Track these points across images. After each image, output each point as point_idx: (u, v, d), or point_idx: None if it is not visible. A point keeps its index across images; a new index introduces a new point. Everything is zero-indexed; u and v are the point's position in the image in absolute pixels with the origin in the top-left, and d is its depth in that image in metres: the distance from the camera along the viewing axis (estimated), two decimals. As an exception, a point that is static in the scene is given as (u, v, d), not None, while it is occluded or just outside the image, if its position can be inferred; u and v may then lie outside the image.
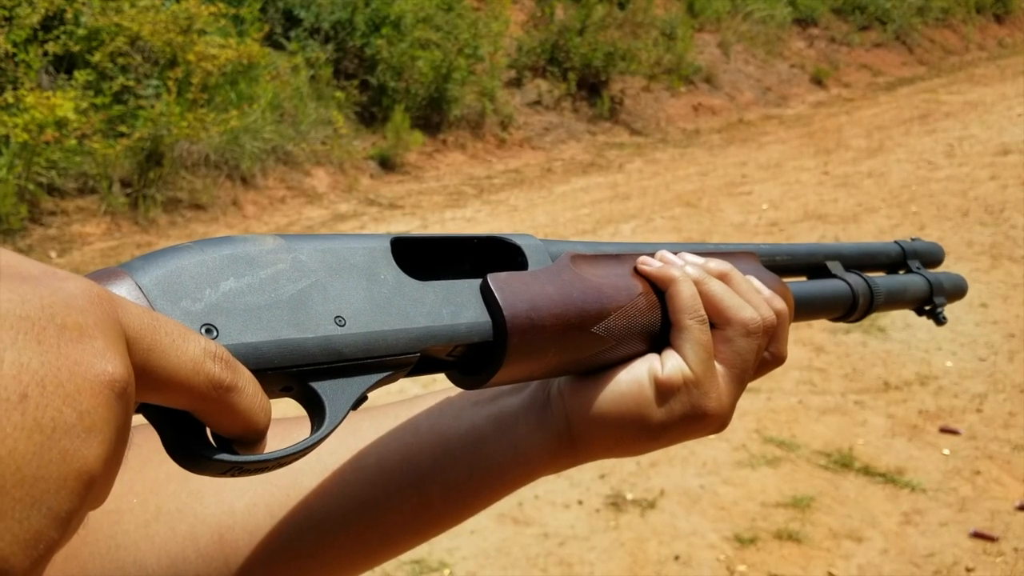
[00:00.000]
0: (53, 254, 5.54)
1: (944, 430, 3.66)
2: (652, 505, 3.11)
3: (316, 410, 0.45)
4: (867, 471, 3.36)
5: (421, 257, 0.55)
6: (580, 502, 3.12)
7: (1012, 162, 7.93)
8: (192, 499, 0.59)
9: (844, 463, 3.40)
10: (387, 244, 0.51)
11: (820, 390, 3.97)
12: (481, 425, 0.61)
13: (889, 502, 3.18)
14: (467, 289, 0.52)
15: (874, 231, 6.29)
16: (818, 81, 11.68)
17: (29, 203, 5.71)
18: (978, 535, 2.97)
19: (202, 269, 0.42)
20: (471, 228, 6.26)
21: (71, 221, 5.85)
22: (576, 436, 0.60)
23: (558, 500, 3.12)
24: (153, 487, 0.59)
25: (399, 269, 0.50)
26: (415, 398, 0.66)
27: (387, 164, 7.72)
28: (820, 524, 3.03)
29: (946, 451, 3.51)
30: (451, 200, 7.13)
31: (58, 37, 6.22)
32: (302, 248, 0.47)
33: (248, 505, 0.59)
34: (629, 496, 3.15)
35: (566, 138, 9.10)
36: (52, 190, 5.91)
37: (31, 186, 5.71)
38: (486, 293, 0.52)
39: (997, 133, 9.02)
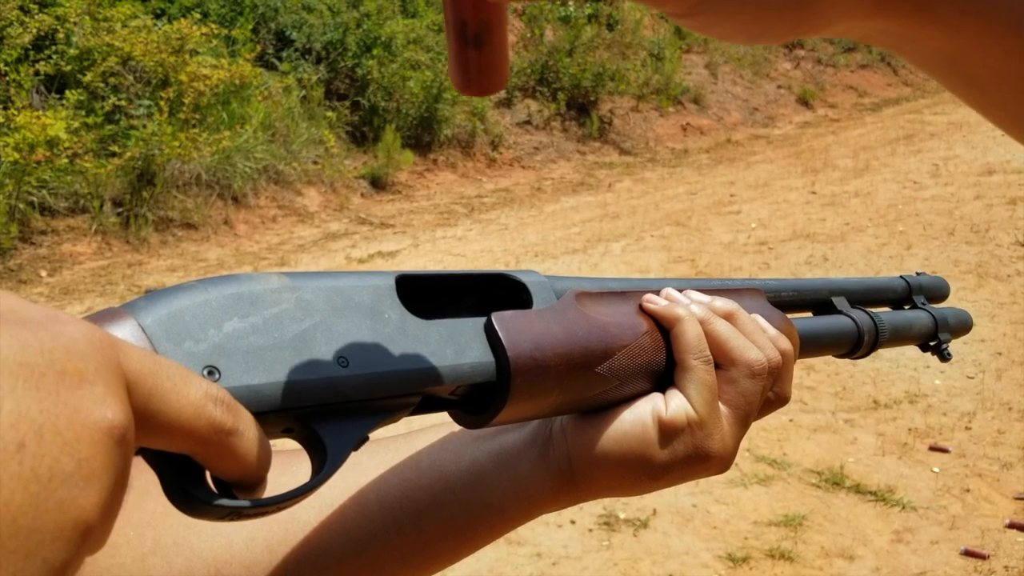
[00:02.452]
0: (43, 273, 5.52)
1: (934, 448, 3.68)
2: (645, 524, 3.12)
3: (317, 451, 0.45)
4: (858, 489, 3.37)
5: (425, 292, 0.54)
6: (573, 522, 3.12)
7: (996, 182, 8.01)
8: (189, 533, 0.58)
9: (835, 481, 3.42)
10: (392, 282, 0.50)
11: (811, 408, 4.00)
12: (482, 461, 0.61)
13: (880, 520, 3.19)
14: (471, 328, 0.51)
15: (861, 250, 6.34)
16: (804, 102, 11.78)
17: (19, 222, 5.70)
18: (969, 553, 2.99)
19: (205, 309, 0.42)
20: (461, 247, 6.28)
21: (62, 240, 5.84)
22: (577, 474, 0.59)
23: (551, 520, 3.13)
24: (150, 520, 0.58)
25: (403, 308, 0.49)
26: (416, 432, 0.65)
27: (378, 183, 7.74)
28: (812, 542, 3.05)
29: (936, 469, 3.53)
30: (442, 219, 7.15)
31: (49, 57, 6.23)
32: (306, 287, 0.46)
33: (246, 539, 0.58)
34: (622, 515, 3.16)
35: (556, 157, 9.14)
36: (43, 209, 5.90)
37: (21, 205, 5.71)
38: (490, 332, 0.52)
39: (981, 153, 9.11)
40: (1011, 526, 3.14)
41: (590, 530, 3.08)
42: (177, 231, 6.30)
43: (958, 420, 3.92)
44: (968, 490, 3.38)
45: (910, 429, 3.84)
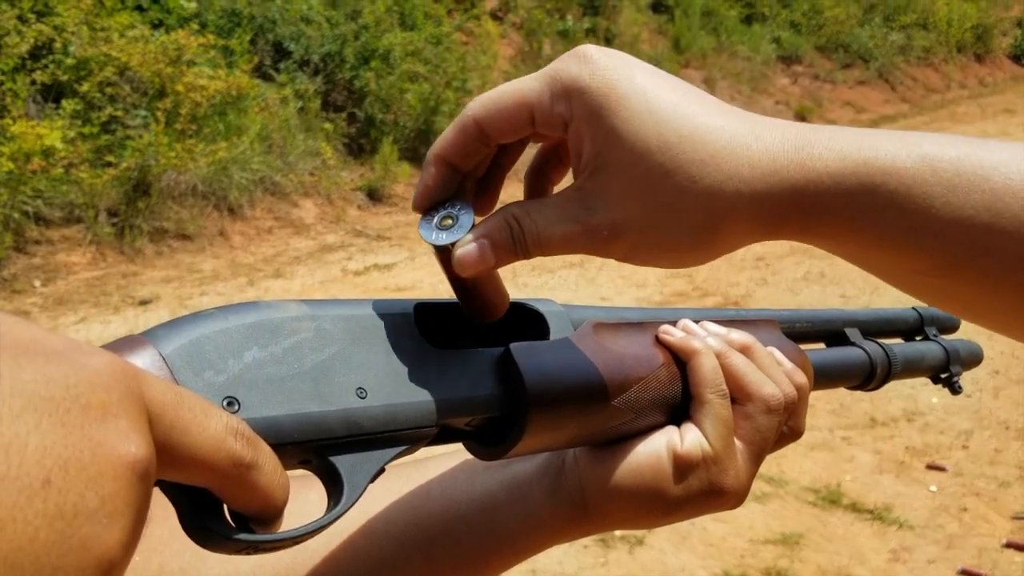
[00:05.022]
0: (37, 283, 5.50)
1: (931, 467, 3.67)
2: (641, 542, 3.09)
3: (334, 484, 0.45)
4: (855, 508, 3.35)
5: (442, 320, 0.54)
6: (568, 538, 3.10)
7: (994, 199, 8.03)
8: (196, 559, 0.58)
9: (832, 499, 3.40)
10: (410, 311, 0.50)
11: (808, 426, 3.96)
12: (494, 491, 0.60)
13: (877, 539, 3.17)
14: (488, 359, 0.51)
15: (859, 266, 6.33)
16: (802, 117, 11.80)
17: (14, 232, 5.68)
18: (966, 572, 2.97)
19: (226, 338, 0.42)
20: (458, 260, 6.24)
21: (56, 250, 5.82)
22: (590, 506, 0.59)
23: (546, 536, 3.10)
24: (156, 545, 0.58)
25: (421, 338, 0.49)
26: (427, 460, 0.65)
27: (375, 195, 7.73)
28: (809, 561, 3.02)
29: (933, 488, 3.52)
30: (438, 232, 7.13)
31: (46, 66, 6.22)
32: (325, 315, 0.46)
33: (253, 567, 0.58)
34: (617, 532, 3.14)
35: (553, 171, 9.15)
36: (38, 219, 5.88)
37: (16, 215, 5.69)
38: (507, 364, 0.51)
39: (979, 170, 9.14)
40: (1008, 545, 3.12)
41: (586, 547, 3.05)
42: (172, 242, 6.28)
43: (955, 439, 3.90)
44: (965, 509, 3.36)
45: (907, 447, 3.82)
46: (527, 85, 0.50)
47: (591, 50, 0.49)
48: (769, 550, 3.07)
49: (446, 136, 0.52)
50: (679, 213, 0.47)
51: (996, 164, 0.44)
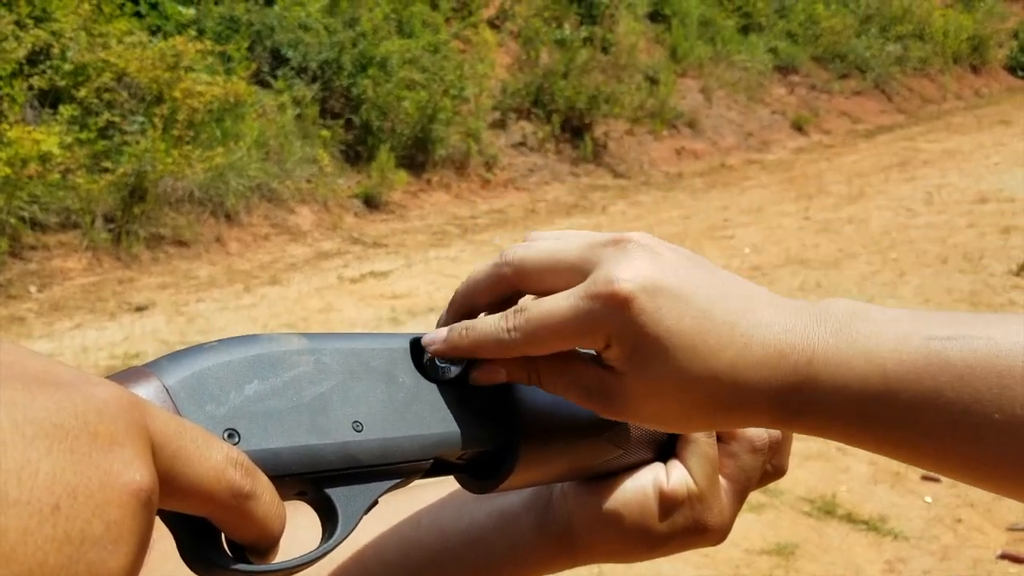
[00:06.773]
0: (33, 289, 5.49)
1: (926, 478, 3.67)
2: (635, 551, 3.08)
3: (329, 516, 0.46)
4: (850, 518, 3.35)
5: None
6: (563, 547, 3.09)
7: (990, 210, 8.04)
8: None
9: (827, 510, 3.39)
10: (406, 346, 0.51)
11: (803, 436, 3.97)
12: (482, 522, 0.61)
13: (872, 550, 3.17)
14: (482, 392, 0.53)
15: (855, 277, 6.34)
16: (799, 127, 11.83)
17: (10, 237, 5.68)
18: (961, 584, 2.96)
19: (227, 371, 0.43)
20: (454, 268, 6.25)
21: (52, 256, 5.81)
22: (576, 540, 0.59)
23: (540, 545, 3.09)
24: (148, 571, 0.58)
25: (417, 372, 0.51)
26: (417, 489, 0.65)
27: (371, 203, 7.73)
28: (804, 571, 3.02)
29: (928, 498, 3.51)
30: (435, 239, 7.14)
31: (44, 71, 6.22)
32: (325, 349, 0.48)
33: None
34: (612, 542, 3.13)
35: (550, 179, 9.15)
36: (34, 224, 5.87)
37: (12, 220, 5.68)
38: (501, 398, 0.53)
39: (975, 181, 9.15)
40: (1003, 557, 3.12)
41: (579, 557, 3.05)
42: (168, 248, 6.28)
43: (951, 449, 3.90)
44: (960, 520, 3.36)
45: (903, 457, 3.82)
46: (571, 314, 0.49)
47: (630, 293, 0.48)
48: (764, 560, 3.07)
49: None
50: (695, 417, 0.51)
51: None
